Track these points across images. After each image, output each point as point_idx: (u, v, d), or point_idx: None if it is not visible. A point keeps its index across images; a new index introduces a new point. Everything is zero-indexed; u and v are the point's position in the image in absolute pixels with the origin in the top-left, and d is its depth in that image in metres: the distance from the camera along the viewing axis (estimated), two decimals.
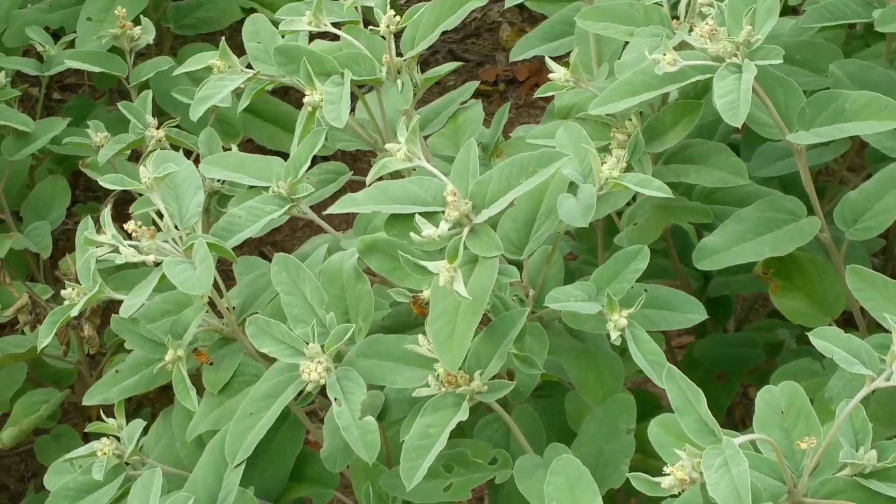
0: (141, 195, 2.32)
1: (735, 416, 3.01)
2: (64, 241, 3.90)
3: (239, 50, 4.37)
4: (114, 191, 2.74)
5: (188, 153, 2.83)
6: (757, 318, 2.99)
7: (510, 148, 2.40)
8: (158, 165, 2.14)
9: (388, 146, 1.96)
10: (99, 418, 2.98)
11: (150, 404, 3.15)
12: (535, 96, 2.30)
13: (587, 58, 2.46)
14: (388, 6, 2.28)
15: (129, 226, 2.08)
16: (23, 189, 3.37)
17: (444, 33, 2.37)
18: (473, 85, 2.58)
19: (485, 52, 5.29)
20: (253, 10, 3.82)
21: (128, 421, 2.19)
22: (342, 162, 2.50)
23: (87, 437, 3.15)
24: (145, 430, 2.20)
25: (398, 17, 2.26)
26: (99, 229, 2.16)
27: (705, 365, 2.70)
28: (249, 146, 3.66)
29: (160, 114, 2.97)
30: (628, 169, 2.10)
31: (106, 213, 2.13)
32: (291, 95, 4.08)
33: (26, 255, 3.29)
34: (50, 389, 2.92)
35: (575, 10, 2.66)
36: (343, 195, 2.05)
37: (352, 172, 2.45)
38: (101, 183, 2.16)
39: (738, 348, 2.71)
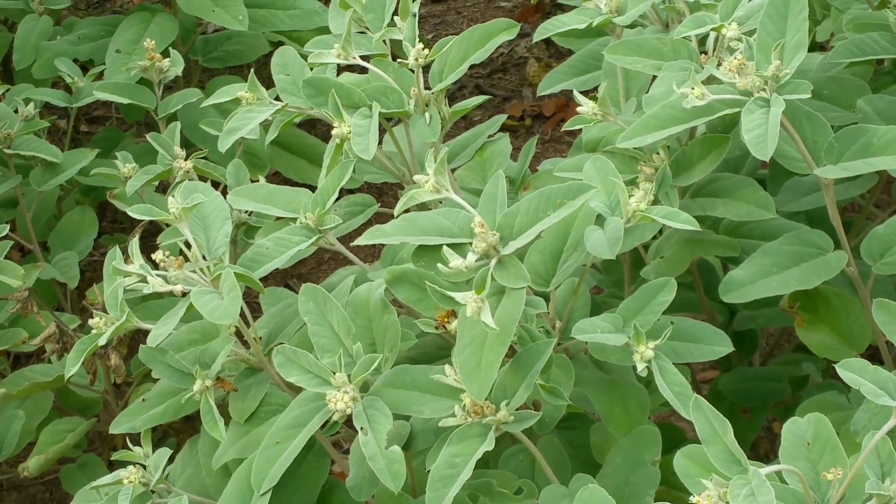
0: (168, 226, 2.35)
1: (759, 450, 3.00)
2: (90, 272, 3.92)
3: (266, 83, 4.40)
4: (142, 221, 2.78)
5: (216, 184, 2.84)
6: (782, 352, 2.99)
7: (538, 181, 2.41)
8: (187, 196, 2.15)
9: (416, 178, 1.97)
10: (124, 447, 2.99)
11: (176, 434, 3.16)
12: (563, 129, 2.31)
13: (615, 92, 2.47)
14: (417, 40, 2.30)
15: (157, 256, 2.09)
16: (50, 219, 3.40)
17: (471, 68, 2.38)
18: (501, 118, 2.59)
19: (511, 87, 5.31)
20: (281, 44, 3.85)
21: (153, 451, 2.20)
22: (368, 194, 2.51)
23: (113, 466, 3.17)
24: (170, 459, 2.21)
25: (427, 51, 2.28)
26: (127, 259, 2.18)
27: (730, 399, 2.69)
28: (275, 179, 3.68)
29: (187, 145, 2.99)
30: (655, 202, 2.11)
31: (134, 243, 2.14)
32: (318, 128, 4.10)
33: (53, 285, 3.30)
34: (76, 418, 2.93)
35: (602, 44, 2.68)
36: (369, 227, 2.06)
37: (379, 205, 2.46)
38: (129, 213, 2.17)
39: (764, 382, 2.70)
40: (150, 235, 3.91)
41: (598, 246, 1.96)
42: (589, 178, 2.04)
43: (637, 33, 2.49)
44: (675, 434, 2.53)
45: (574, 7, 2.80)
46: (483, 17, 5.73)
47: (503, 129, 2.64)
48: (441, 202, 2.03)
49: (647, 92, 2.40)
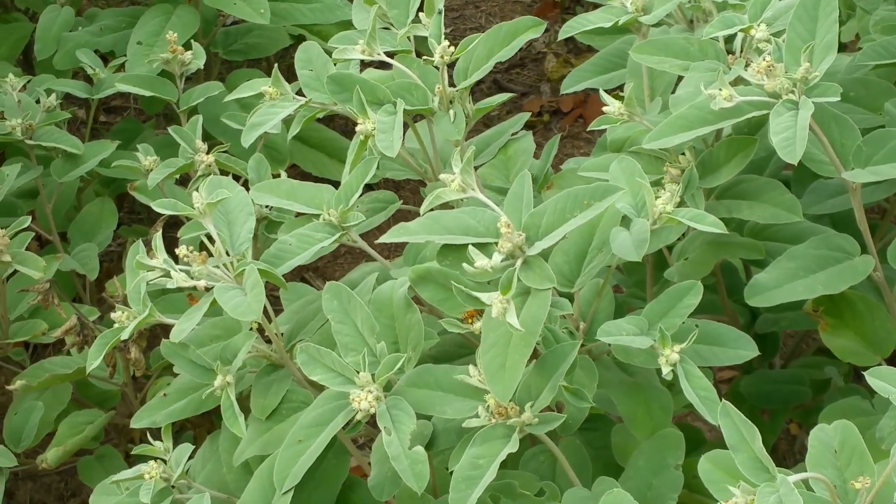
0: (189, 219, 2.35)
1: (779, 452, 2.99)
2: (107, 262, 3.92)
3: (285, 75, 4.39)
4: (163, 215, 2.77)
5: (236, 178, 2.84)
6: (803, 354, 2.97)
7: (561, 180, 2.40)
8: (211, 191, 2.14)
9: (441, 176, 1.96)
10: (141, 439, 2.99)
11: (193, 427, 3.16)
12: (588, 129, 2.30)
13: (640, 91, 2.46)
14: (442, 37, 2.29)
15: (180, 251, 2.08)
16: (70, 211, 3.39)
17: None
18: (524, 116, 2.59)
19: (530, 82, 5.29)
20: (301, 38, 3.85)
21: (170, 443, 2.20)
22: (387, 190, 2.51)
23: (129, 458, 3.17)
24: (190, 455, 2.21)
25: (452, 48, 2.27)
26: (150, 253, 2.17)
27: (751, 401, 2.68)
28: (293, 171, 3.67)
29: (207, 138, 2.98)
30: (681, 204, 2.10)
31: (157, 238, 2.13)
32: (336, 122, 4.09)
33: (72, 276, 3.30)
34: (94, 410, 2.93)
35: (627, 42, 2.67)
36: (391, 223, 2.06)
37: (401, 202, 2.45)
38: (154, 207, 2.17)
39: (785, 385, 2.69)
40: (168, 227, 3.91)
41: (624, 247, 1.95)
42: (615, 179, 2.04)
43: (662, 32, 2.47)
44: (694, 434, 2.51)
45: (596, 4, 2.80)
46: (502, 12, 5.72)
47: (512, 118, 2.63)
48: (462, 201, 2.02)
49: (673, 91, 2.39)
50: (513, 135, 2.56)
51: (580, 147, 4.91)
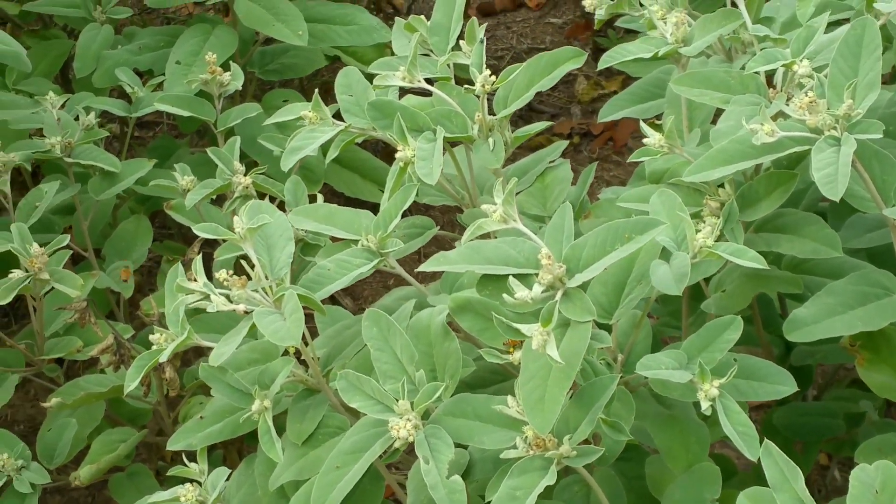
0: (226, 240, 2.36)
1: (811, 485, 2.98)
2: (138, 277, 3.94)
3: (321, 94, 4.40)
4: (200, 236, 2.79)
5: (272, 199, 2.85)
6: (836, 386, 2.97)
7: (599, 209, 2.40)
8: (252, 216, 2.15)
9: (483, 207, 1.97)
10: (172, 458, 3.00)
11: (223, 446, 3.17)
12: (629, 160, 2.30)
13: (678, 122, 2.46)
14: (484, 66, 2.30)
15: (220, 274, 2.09)
16: (105, 228, 3.41)
17: None
18: (562, 145, 2.59)
19: (560, 104, 5.30)
20: (336, 58, 3.87)
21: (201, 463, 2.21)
22: (423, 215, 2.51)
23: (160, 476, 3.18)
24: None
25: (493, 77, 2.28)
26: (189, 275, 2.18)
27: (784, 433, 2.68)
28: (324, 190, 3.68)
29: (242, 157, 2.99)
30: (720, 237, 2.10)
31: (198, 261, 2.14)
32: (368, 142, 4.11)
33: (107, 293, 3.32)
34: (128, 429, 2.94)
35: (664, 72, 2.68)
36: (427, 249, 2.06)
37: (439, 227, 2.46)
38: (195, 230, 2.18)
39: (818, 417, 2.69)
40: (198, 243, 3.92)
41: (664, 281, 1.95)
42: (655, 212, 2.04)
43: (701, 62, 2.48)
44: (724, 464, 2.51)
45: (628, 29, 2.80)
46: (533, 33, 5.73)
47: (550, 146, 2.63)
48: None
49: (711, 123, 2.40)
50: (550, 163, 2.57)
51: (609, 170, 4.91)
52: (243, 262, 2.16)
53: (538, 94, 5.36)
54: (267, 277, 2.14)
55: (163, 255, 3.65)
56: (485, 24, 2.44)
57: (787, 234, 2.20)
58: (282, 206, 2.74)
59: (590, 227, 2.36)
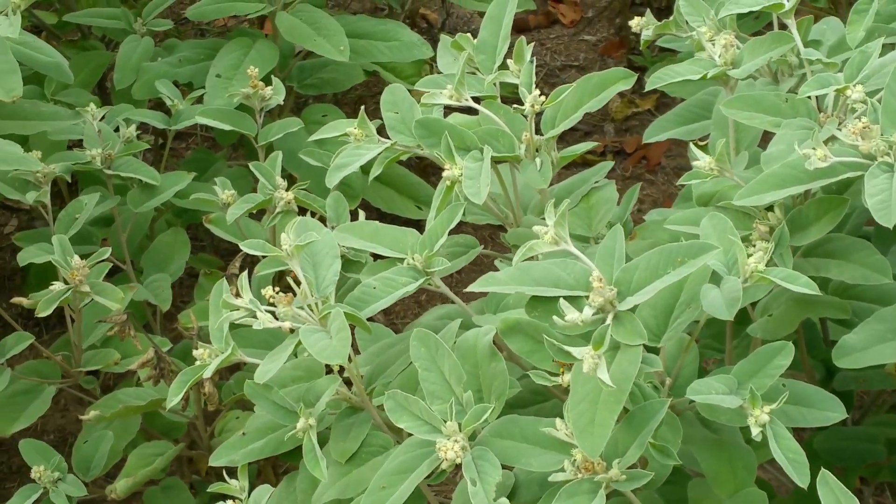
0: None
1: None
2: (174, 290, 3.94)
3: (351, 107, 4.40)
4: (241, 251, 2.79)
5: (312, 214, 2.85)
6: (877, 410, 2.94)
7: (645, 231, 2.39)
8: (299, 233, 2.15)
9: (534, 228, 1.96)
10: (208, 472, 2.99)
11: (258, 461, 3.16)
12: (678, 183, 2.29)
13: (725, 144, 2.45)
14: (533, 86, 2.29)
15: (266, 292, 2.09)
16: (143, 240, 3.41)
17: None
18: (607, 165, 2.58)
19: (593, 122, 5.29)
20: (374, 73, 3.87)
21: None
22: (467, 234, 2.51)
23: (194, 490, 3.18)
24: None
25: (543, 97, 2.27)
26: (233, 290, 2.18)
27: (825, 457, 2.66)
28: (359, 205, 3.68)
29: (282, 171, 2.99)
30: (769, 262, 2.09)
31: (243, 278, 2.14)
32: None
33: (143, 306, 3.32)
34: (164, 442, 2.94)
35: (711, 94, 2.67)
36: (472, 267, 2.05)
37: (482, 246, 2.45)
38: (241, 247, 2.17)
39: (860, 443, 2.66)
40: (230, 253, 3.92)
41: (715, 305, 1.94)
42: (706, 236, 2.03)
43: (747, 84, 2.47)
44: (763, 488, 2.49)
45: (664, 48, 2.79)
46: (567, 50, 5.73)
47: (583, 164, 2.63)
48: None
49: (759, 146, 2.38)
50: (595, 183, 2.56)
51: (643, 188, 4.89)
52: (289, 279, 2.16)
53: None
54: (312, 295, 2.13)
55: (195, 267, 3.65)
56: (531, 45, 2.43)
57: (836, 260, 2.19)
58: (323, 221, 2.74)
59: (636, 249, 2.36)
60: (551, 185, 2.57)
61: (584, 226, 2.49)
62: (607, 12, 5.80)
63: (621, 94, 5.34)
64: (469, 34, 2.55)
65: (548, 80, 5.50)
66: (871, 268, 2.15)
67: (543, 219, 2.42)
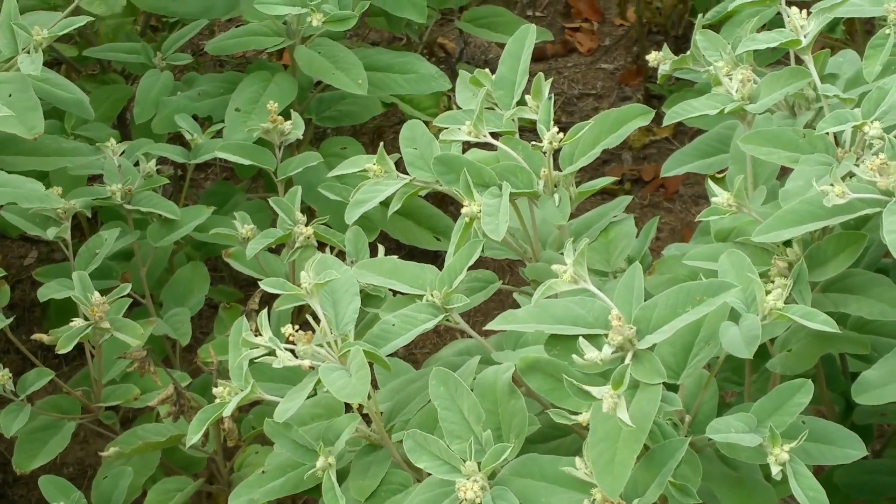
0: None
1: None
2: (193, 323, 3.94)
3: (369, 136, 4.40)
4: (260, 287, 2.80)
5: (331, 248, 2.86)
6: None
7: (664, 266, 2.39)
8: (319, 271, 2.16)
9: (553, 267, 1.96)
10: None
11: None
12: (697, 219, 2.29)
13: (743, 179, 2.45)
14: (552, 123, 2.30)
15: (286, 330, 2.09)
16: (163, 274, 3.42)
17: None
18: (626, 200, 2.59)
19: (611, 149, 5.26)
20: (392, 105, 3.88)
21: None
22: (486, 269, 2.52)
23: None
24: None
25: (561, 134, 2.27)
26: (253, 326, 2.19)
27: (845, 491, 2.65)
28: (378, 236, 3.69)
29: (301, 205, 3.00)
30: (788, 297, 2.08)
31: (263, 316, 2.15)
32: None
33: (163, 340, 3.32)
34: (184, 478, 2.94)
35: (728, 128, 2.67)
36: (490, 303, 2.05)
37: (501, 282, 2.46)
38: (261, 286, 2.18)
39: (880, 476, 2.65)
40: (249, 284, 3.93)
41: (734, 344, 1.94)
42: (724, 273, 2.03)
43: (765, 118, 2.47)
44: None
45: (679, 78, 2.80)
46: (584, 79, 5.73)
47: (602, 192, 2.63)
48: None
49: (777, 179, 2.39)
50: (613, 217, 2.56)
51: (661, 216, 4.89)
52: (308, 318, 2.16)
53: None
54: (332, 332, 2.14)
55: (215, 298, 3.66)
56: (550, 80, 2.44)
57: (855, 295, 2.18)
58: (341, 255, 2.75)
59: (654, 285, 2.37)
60: (570, 218, 2.57)
61: (603, 260, 2.49)
62: (624, 40, 5.81)
63: None
64: (487, 69, 2.56)
65: (565, 109, 5.51)
66: (890, 303, 2.14)
67: (562, 253, 2.44)
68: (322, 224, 2.84)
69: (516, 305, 2.37)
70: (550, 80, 2.44)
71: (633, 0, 5.70)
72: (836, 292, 2.22)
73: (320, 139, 4.00)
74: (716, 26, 2.91)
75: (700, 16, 2.72)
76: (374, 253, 2.72)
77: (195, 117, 3.48)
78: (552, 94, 2.36)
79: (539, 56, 5.81)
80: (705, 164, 2.66)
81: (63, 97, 3.06)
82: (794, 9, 2.36)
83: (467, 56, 5.38)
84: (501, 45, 4.50)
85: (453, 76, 4.63)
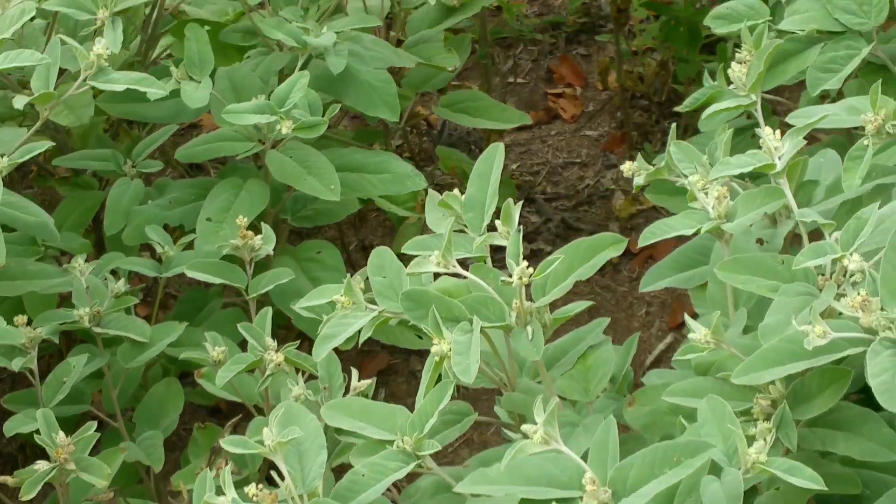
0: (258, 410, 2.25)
1: None
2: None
3: (348, 226, 4.31)
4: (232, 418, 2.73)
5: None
6: None
7: (644, 397, 2.31)
8: (284, 424, 2.09)
9: (524, 428, 1.89)
10: None
11: None
12: (673, 359, 2.22)
13: (722, 297, 2.38)
14: (521, 257, 2.23)
15: (250, 490, 2.02)
16: (137, 390, 3.34)
17: (556, 200, 2.32)
18: (604, 322, 2.51)
19: (598, 220, 5.21)
20: (370, 202, 3.82)
21: None
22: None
23: None
24: None
25: (531, 269, 2.20)
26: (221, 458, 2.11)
27: None
28: None
29: (276, 319, 2.92)
30: (773, 440, 2.01)
31: (226, 473, 2.07)
32: None
33: (136, 464, 3.23)
34: None
35: (707, 238, 2.59)
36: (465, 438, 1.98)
37: (477, 414, 2.39)
38: (222, 445, 2.10)
39: None
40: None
41: (715, 500, 1.86)
42: (704, 421, 1.96)
43: (744, 233, 2.40)
44: None
45: (664, 142, 2.73)
46: (568, 146, 5.66)
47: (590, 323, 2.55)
48: None
49: (755, 302, 2.31)
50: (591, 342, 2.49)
51: (650, 291, 4.80)
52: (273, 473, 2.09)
53: (575, 209, 5.27)
54: (297, 488, 2.07)
55: (193, 402, 3.58)
56: (520, 203, 2.37)
57: (844, 432, 2.10)
58: (314, 377, 2.68)
59: (634, 417, 2.30)
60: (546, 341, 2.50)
61: (581, 390, 2.41)
62: (608, 106, 5.75)
63: (625, 192, 5.26)
64: (457, 192, 2.49)
65: (550, 179, 5.44)
66: (880, 442, 2.06)
67: (540, 382, 2.37)
68: (294, 349, 2.77)
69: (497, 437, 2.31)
70: (520, 204, 2.37)
71: (614, 67, 5.64)
72: (824, 427, 2.13)
73: (298, 237, 3.93)
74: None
75: (673, 126, 2.65)
76: (348, 376, 2.64)
77: (166, 226, 3.40)
78: (521, 227, 2.29)
79: (522, 125, 5.75)
80: (685, 277, 2.59)
81: (28, 221, 3.00)
82: (768, 129, 2.29)
83: (450, 128, 5.32)
84: None
85: (435, 151, 4.58)
